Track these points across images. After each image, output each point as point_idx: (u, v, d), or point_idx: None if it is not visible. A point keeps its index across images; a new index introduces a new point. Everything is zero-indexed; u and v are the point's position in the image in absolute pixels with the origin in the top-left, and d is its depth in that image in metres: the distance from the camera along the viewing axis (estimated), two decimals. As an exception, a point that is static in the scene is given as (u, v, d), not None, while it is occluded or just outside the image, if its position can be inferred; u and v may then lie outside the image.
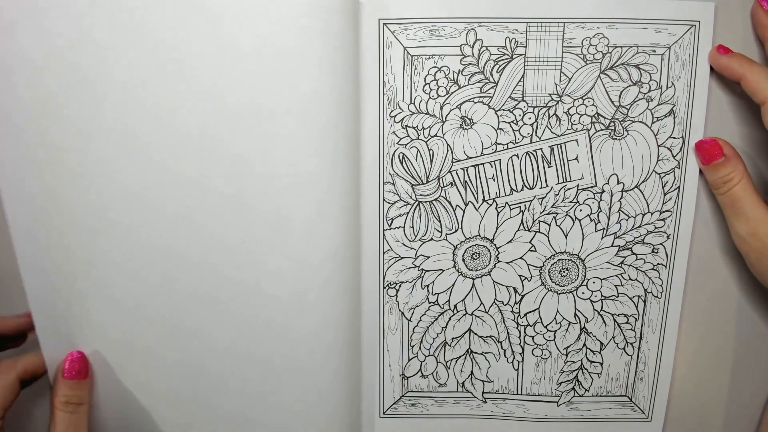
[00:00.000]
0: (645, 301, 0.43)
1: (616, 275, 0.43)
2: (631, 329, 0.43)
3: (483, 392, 0.45)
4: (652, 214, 0.41)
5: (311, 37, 0.38)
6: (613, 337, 0.44)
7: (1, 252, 0.41)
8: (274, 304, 0.41)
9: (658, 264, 0.42)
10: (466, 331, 0.44)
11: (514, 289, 0.43)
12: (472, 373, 0.45)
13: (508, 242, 0.42)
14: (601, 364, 0.44)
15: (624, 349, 0.44)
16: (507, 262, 0.43)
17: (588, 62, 0.39)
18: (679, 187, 0.41)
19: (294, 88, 0.38)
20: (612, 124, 0.40)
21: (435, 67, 0.40)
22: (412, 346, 0.45)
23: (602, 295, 0.43)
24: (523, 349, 0.44)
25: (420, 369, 0.45)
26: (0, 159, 0.38)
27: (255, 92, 0.38)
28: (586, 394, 0.45)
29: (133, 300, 0.41)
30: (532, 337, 0.44)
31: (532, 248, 0.42)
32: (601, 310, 0.43)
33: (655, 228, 0.41)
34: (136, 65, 0.38)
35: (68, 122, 0.38)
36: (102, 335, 0.41)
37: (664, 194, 0.41)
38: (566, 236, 0.42)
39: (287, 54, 0.38)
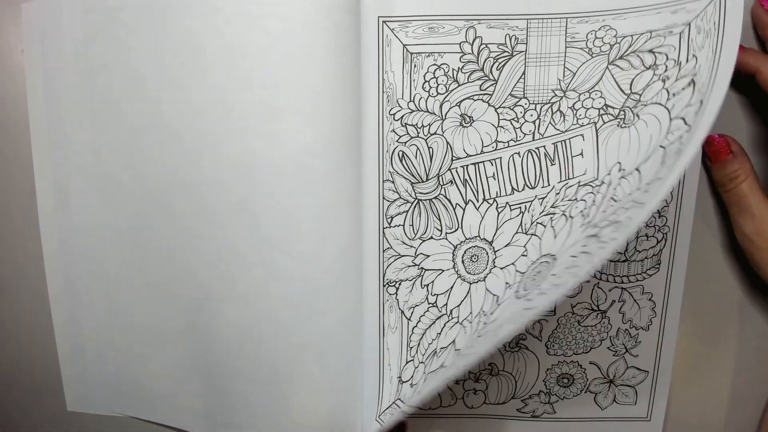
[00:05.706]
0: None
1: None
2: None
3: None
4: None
5: (319, 35, 0.38)
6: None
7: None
8: (282, 307, 0.41)
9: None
10: (450, 344, 0.42)
11: (498, 297, 0.41)
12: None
13: (506, 246, 0.41)
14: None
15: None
16: (501, 268, 0.42)
17: (594, 55, 0.38)
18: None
19: (301, 87, 0.38)
20: (622, 112, 0.38)
21: (434, 64, 0.39)
22: (411, 348, 0.44)
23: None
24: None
25: (412, 376, 0.43)
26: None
27: (264, 91, 0.39)
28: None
29: (151, 290, 0.43)
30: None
31: (525, 253, 0.41)
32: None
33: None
34: (154, 66, 0.40)
35: (83, 117, 0.42)
36: (129, 323, 0.45)
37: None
38: (555, 237, 0.41)
39: (295, 52, 0.38)
